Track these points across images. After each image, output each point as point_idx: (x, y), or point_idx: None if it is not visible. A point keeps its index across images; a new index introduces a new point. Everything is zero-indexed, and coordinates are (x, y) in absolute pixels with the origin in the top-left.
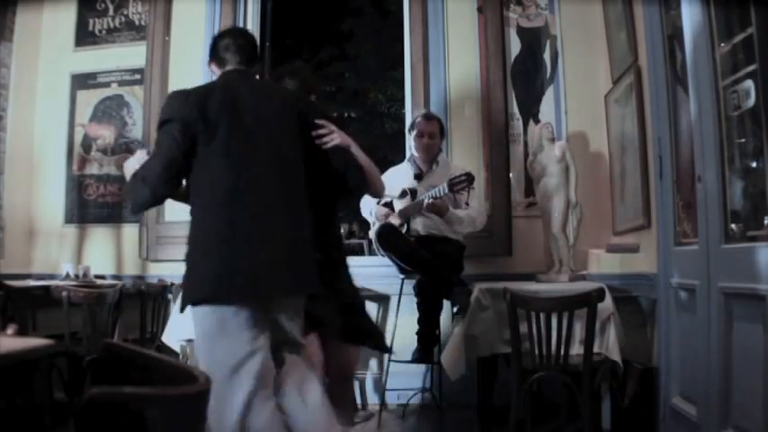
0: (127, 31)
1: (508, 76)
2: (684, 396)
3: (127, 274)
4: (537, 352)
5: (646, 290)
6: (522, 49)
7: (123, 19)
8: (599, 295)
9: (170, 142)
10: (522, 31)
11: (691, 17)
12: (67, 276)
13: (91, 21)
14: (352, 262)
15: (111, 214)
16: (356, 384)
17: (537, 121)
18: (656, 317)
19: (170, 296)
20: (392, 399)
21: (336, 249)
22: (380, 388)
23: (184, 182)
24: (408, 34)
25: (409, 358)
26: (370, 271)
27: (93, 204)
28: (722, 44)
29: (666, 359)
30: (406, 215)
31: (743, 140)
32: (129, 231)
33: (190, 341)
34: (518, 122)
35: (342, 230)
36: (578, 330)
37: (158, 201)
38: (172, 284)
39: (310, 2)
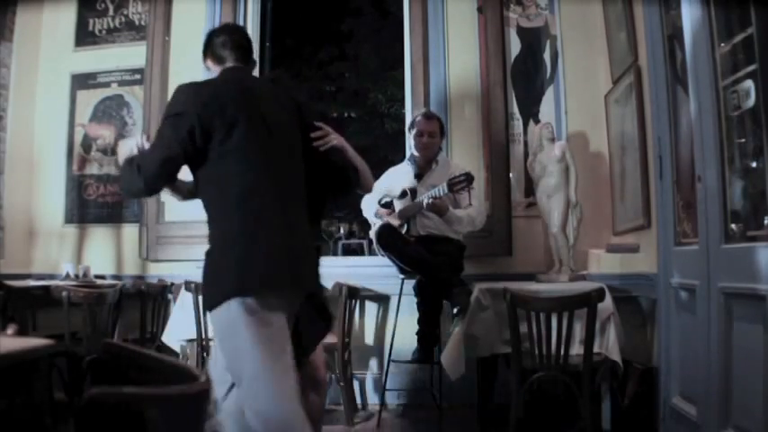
0: (127, 31)
1: (508, 76)
2: (684, 396)
3: (127, 274)
4: (537, 352)
5: (646, 290)
6: (522, 49)
7: (123, 19)
8: (599, 295)
9: (175, 137)
10: (522, 31)
11: (691, 17)
12: (67, 276)
13: (91, 21)
14: (353, 262)
15: (111, 214)
16: (356, 384)
17: (537, 121)
18: (656, 317)
19: (170, 296)
20: (392, 399)
21: (317, 248)
22: (380, 388)
23: (183, 178)
24: (408, 34)
25: (409, 358)
26: (370, 271)
27: (93, 204)
28: (722, 44)
29: (666, 359)
30: (405, 215)
31: (743, 140)
32: (129, 231)
33: (190, 341)
34: (518, 122)
35: (342, 230)
36: (578, 330)
37: (151, 194)
38: (172, 284)
39: (310, 2)
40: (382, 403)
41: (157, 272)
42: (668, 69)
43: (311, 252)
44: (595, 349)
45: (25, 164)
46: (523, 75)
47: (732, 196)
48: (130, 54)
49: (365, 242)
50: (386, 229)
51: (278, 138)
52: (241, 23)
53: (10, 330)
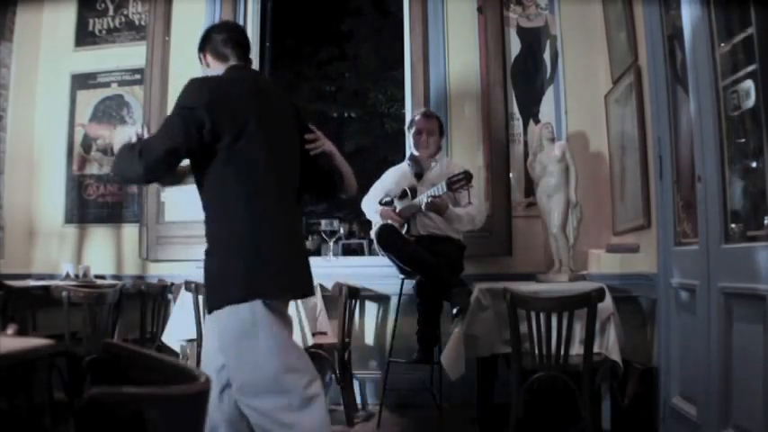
0: (127, 31)
1: (508, 76)
2: (684, 396)
3: (127, 274)
4: (537, 352)
5: (646, 290)
6: (522, 49)
7: (123, 19)
8: (599, 295)
9: (184, 130)
10: (522, 31)
11: (691, 17)
12: (67, 276)
13: (91, 21)
14: (353, 262)
15: (111, 214)
16: (356, 384)
17: (537, 121)
18: (656, 317)
19: (170, 296)
20: (392, 399)
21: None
22: (380, 388)
23: (181, 168)
24: (408, 34)
25: (409, 358)
26: (370, 271)
27: (93, 204)
28: (722, 44)
29: (666, 359)
30: (405, 215)
31: (743, 140)
32: (129, 231)
33: (190, 341)
34: (518, 122)
35: (341, 230)
36: (578, 330)
37: (148, 182)
38: (172, 284)
39: (310, 2)
40: (382, 403)
41: (157, 272)
42: (668, 69)
43: (306, 253)
44: (595, 349)
45: (25, 164)
46: (523, 75)
47: (732, 196)
48: (130, 54)
49: (365, 242)
50: (386, 229)
51: (282, 139)
52: (241, 23)
53: (10, 330)
